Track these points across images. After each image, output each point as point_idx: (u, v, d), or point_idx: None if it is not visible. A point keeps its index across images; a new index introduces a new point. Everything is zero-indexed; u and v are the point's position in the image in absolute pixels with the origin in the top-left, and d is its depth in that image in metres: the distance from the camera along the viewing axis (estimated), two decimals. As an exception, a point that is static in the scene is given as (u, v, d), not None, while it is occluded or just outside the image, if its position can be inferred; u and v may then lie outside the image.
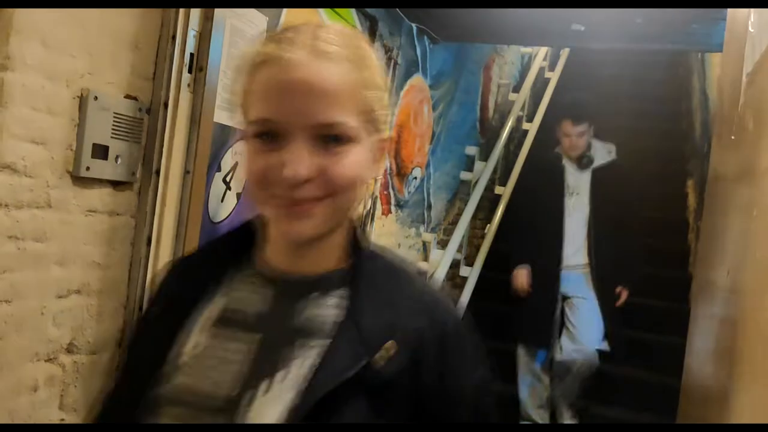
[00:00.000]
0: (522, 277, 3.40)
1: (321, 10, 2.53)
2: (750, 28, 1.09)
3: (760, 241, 0.97)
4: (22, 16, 1.34)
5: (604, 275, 3.30)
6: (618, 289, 3.35)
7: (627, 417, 3.58)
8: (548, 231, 3.33)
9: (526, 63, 5.94)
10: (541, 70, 5.96)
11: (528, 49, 5.88)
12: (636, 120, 5.52)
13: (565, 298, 3.36)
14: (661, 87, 6.00)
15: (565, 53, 6.37)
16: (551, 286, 3.31)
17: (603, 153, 3.45)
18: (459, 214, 4.46)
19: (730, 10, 1.45)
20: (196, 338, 0.76)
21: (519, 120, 5.50)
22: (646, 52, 5.51)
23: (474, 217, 4.50)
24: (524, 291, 3.38)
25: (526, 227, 3.43)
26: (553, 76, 6.10)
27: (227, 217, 2.13)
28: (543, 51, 5.91)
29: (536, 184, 3.45)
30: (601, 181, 3.35)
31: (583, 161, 3.37)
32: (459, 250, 4.31)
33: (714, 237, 1.41)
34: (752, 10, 1.10)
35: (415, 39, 3.43)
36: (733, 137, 1.19)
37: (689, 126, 5.40)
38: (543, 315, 3.33)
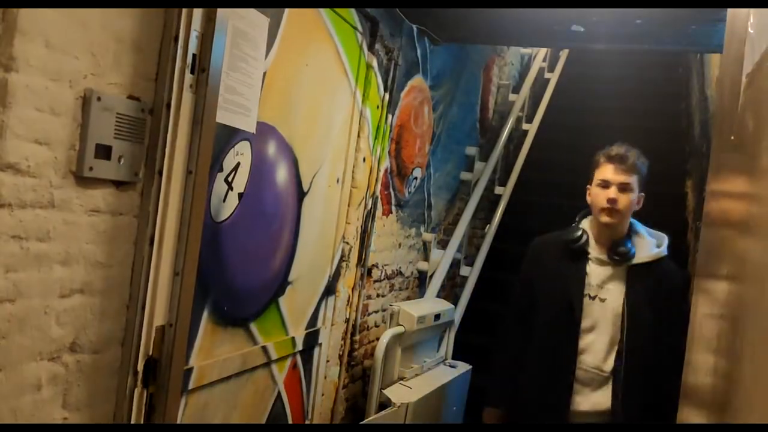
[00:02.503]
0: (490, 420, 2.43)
1: (322, 11, 2.54)
2: (749, 30, 1.10)
3: (758, 242, 0.97)
4: (27, 17, 1.35)
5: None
6: None
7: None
8: (555, 353, 2.23)
9: (526, 64, 5.95)
10: (541, 70, 5.98)
11: (528, 50, 5.90)
12: (635, 120, 5.54)
13: None
14: (660, 87, 6.01)
15: (564, 54, 6.39)
16: None
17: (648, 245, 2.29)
18: (459, 214, 4.47)
19: (729, 12, 1.46)
20: None
21: (519, 120, 5.51)
22: (645, 53, 5.52)
23: (474, 217, 4.51)
24: None
25: (513, 343, 2.38)
26: (553, 77, 6.12)
27: (229, 216, 2.14)
28: (543, 52, 5.93)
29: (541, 272, 2.34)
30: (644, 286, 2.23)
31: (619, 250, 2.20)
32: (459, 250, 4.32)
33: (712, 237, 1.41)
34: (751, 11, 1.10)
35: (416, 40, 3.44)
36: (732, 138, 1.19)
37: (688, 126, 5.41)
38: None
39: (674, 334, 1.96)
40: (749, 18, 1.11)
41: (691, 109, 5.47)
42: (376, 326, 3.49)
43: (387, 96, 3.17)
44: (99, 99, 1.51)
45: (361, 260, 3.17)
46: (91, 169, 1.52)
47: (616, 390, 2.16)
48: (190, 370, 2.03)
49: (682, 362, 1.98)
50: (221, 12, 1.75)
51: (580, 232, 2.29)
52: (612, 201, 2.17)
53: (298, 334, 2.70)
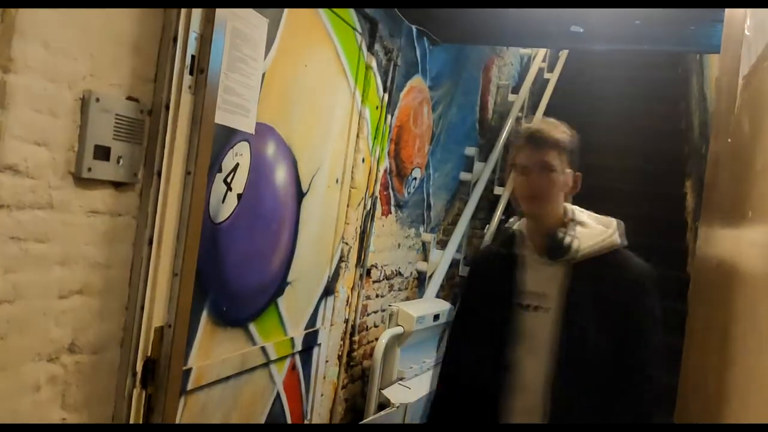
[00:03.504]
0: None
1: (321, 12, 2.54)
2: (746, 31, 1.10)
3: (755, 243, 0.98)
4: (25, 18, 1.35)
5: None
6: None
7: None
8: (483, 370, 1.81)
9: (525, 64, 5.95)
10: (540, 71, 5.98)
11: (527, 51, 5.90)
12: (634, 120, 5.54)
13: None
14: (659, 87, 6.01)
15: (564, 54, 6.39)
16: None
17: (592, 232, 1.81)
18: (458, 215, 4.47)
19: (727, 13, 1.46)
20: None
21: (518, 121, 5.51)
22: (644, 53, 5.52)
23: (473, 217, 4.52)
24: None
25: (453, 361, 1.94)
26: (552, 77, 6.12)
27: (228, 217, 2.14)
28: (542, 52, 5.92)
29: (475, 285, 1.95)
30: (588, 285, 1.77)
31: (553, 244, 1.76)
32: (458, 251, 4.32)
33: (711, 238, 1.42)
34: (748, 13, 1.11)
35: (415, 40, 3.44)
36: (729, 139, 1.20)
37: (688, 126, 5.41)
38: None
39: (634, 348, 1.65)
40: (746, 20, 1.12)
41: (690, 110, 5.48)
42: (375, 326, 3.49)
43: (386, 96, 3.17)
44: (98, 100, 1.51)
45: (360, 260, 3.18)
46: (89, 170, 1.52)
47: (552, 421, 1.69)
48: (188, 370, 2.04)
49: (647, 386, 1.67)
50: (220, 13, 1.76)
51: (509, 233, 1.87)
52: (532, 187, 1.73)
53: (297, 334, 2.71)
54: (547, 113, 5.69)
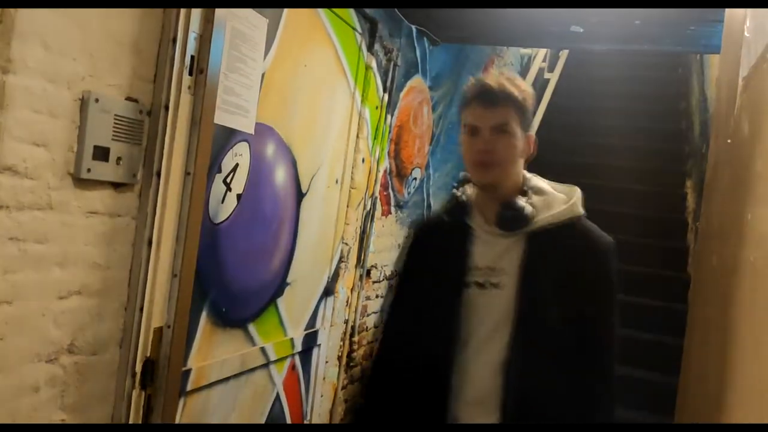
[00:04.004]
0: None
1: (321, 12, 2.54)
2: (746, 33, 1.10)
3: (754, 245, 0.98)
4: (24, 19, 1.35)
5: None
6: None
7: (627, 416, 3.59)
8: (430, 355, 1.60)
9: (526, 64, 5.95)
10: (541, 71, 5.98)
11: (527, 51, 5.90)
12: (635, 120, 5.54)
13: None
14: (660, 87, 6.01)
15: (564, 54, 6.39)
16: None
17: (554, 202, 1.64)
18: (458, 215, 4.46)
19: (727, 14, 1.46)
20: None
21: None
22: (645, 53, 5.52)
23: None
24: None
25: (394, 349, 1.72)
26: (553, 77, 6.12)
27: (227, 218, 2.14)
28: (542, 52, 5.92)
29: (420, 258, 1.74)
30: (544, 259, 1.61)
31: (507, 213, 1.58)
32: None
33: (710, 239, 1.42)
34: (748, 14, 1.11)
35: (415, 40, 3.44)
36: (729, 140, 1.20)
37: (688, 126, 5.41)
38: None
39: (596, 326, 1.49)
40: (746, 21, 1.12)
41: (690, 110, 5.48)
42: (375, 327, 3.49)
43: (386, 96, 3.17)
44: (97, 101, 1.51)
45: (360, 261, 3.17)
46: (89, 170, 1.52)
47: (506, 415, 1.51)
48: (188, 371, 2.04)
49: (609, 368, 1.50)
50: (219, 13, 1.76)
51: (458, 201, 1.65)
52: (484, 152, 1.52)
53: (297, 335, 2.71)
54: (547, 113, 5.69)
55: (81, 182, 1.52)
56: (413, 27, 3.32)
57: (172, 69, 1.68)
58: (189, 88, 1.72)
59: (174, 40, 1.67)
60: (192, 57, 1.71)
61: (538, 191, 1.59)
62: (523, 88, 1.56)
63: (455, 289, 1.56)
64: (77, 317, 1.57)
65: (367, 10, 2.85)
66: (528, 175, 1.62)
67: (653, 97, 5.88)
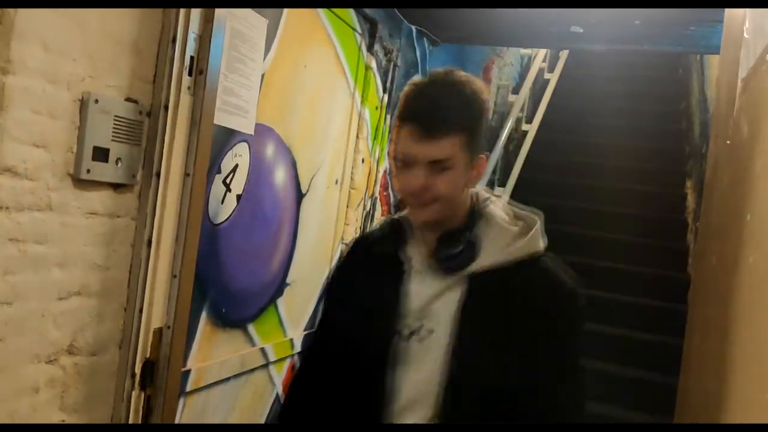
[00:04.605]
0: None
1: (321, 13, 2.54)
2: (745, 34, 1.10)
3: (753, 245, 0.98)
4: (24, 19, 1.35)
5: None
6: None
7: (627, 416, 3.59)
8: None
9: (526, 64, 5.95)
10: (541, 71, 5.98)
11: (527, 51, 5.90)
12: (635, 120, 5.54)
13: None
14: (660, 87, 6.02)
15: (564, 55, 6.39)
16: None
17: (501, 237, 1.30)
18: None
19: (727, 15, 1.46)
20: None
21: (518, 121, 5.52)
22: (645, 54, 5.52)
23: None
24: None
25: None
26: (553, 78, 6.12)
27: (227, 218, 2.14)
28: (542, 52, 5.92)
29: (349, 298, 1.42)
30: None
31: (444, 253, 1.28)
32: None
33: (710, 239, 1.42)
34: (747, 15, 1.11)
35: (415, 41, 3.44)
36: (728, 141, 1.20)
37: (689, 126, 5.42)
38: None
39: (547, 401, 1.18)
40: (745, 22, 1.12)
41: (691, 110, 5.48)
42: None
43: (386, 97, 3.17)
44: (97, 101, 1.51)
45: (360, 261, 3.17)
46: (88, 171, 1.52)
47: None
48: (188, 371, 2.04)
49: None
50: (219, 13, 1.75)
51: (392, 226, 1.34)
52: (422, 189, 1.21)
53: (297, 335, 2.71)
54: (547, 113, 5.69)
55: (81, 183, 1.52)
56: (413, 27, 3.32)
57: (172, 69, 1.67)
58: (188, 88, 1.72)
59: (173, 41, 1.67)
60: (191, 57, 1.71)
61: (488, 219, 1.27)
62: (478, 96, 1.22)
63: (379, 337, 1.25)
64: (77, 318, 1.58)
65: (367, 11, 2.85)
66: (482, 195, 1.30)
67: (653, 97, 5.88)
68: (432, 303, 1.25)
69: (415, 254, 1.29)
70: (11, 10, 1.33)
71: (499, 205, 1.30)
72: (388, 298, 1.27)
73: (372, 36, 2.97)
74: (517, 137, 5.59)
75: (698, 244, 1.58)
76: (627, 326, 4.04)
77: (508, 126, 5.01)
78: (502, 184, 5.07)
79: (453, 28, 3.39)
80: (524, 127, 5.61)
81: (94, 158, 1.53)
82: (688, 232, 4.65)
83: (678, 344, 1.81)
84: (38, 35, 1.38)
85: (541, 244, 1.24)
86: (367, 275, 1.33)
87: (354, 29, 2.83)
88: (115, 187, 1.62)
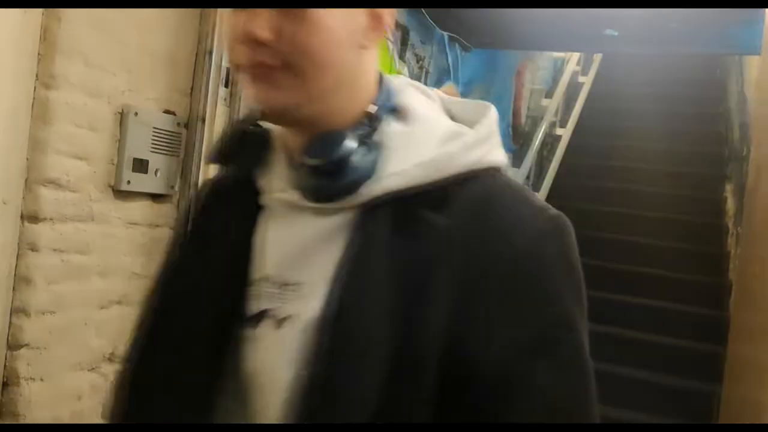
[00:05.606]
0: None
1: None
2: (787, 35, 1.08)
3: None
4: (66, 35, 1.39)
5: None
6: None
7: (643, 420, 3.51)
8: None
9: (559, 68, 5.89)
10: (574, 74, 5.91)
11: (561, 54, 5.84)
12: (671, 123, 5.44)
13: None
14: (697, 89, 5.90)
15: (598, 57, 6.31)
16: None
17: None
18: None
19: (767, 13, 1.43)
20: None
21: (552, 125, 5.46)
22: (681, 55, 5.43)
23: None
24: None
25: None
26: (587, 81, 6.05)
27: (262, 227, 2.15)
28: (576, 56, 5.86)
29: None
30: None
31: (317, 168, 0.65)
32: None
33: (753, 245, 1.39)
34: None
35: (447, 47, 3.44)
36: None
37: (727, 129, 5.30)
38: None
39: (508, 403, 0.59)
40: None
41: (729, 112, 5.37)
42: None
43: (418, 104, 3.17)
44: (136, 114, 1.54)
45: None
46: (128, 182, 1.55)
47: None
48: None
49: None
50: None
51: (241, 131, 0.77)
52: (264, 43, 0.62)
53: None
54: (581, 117, 5.63)
55: (121, 194, 1.55)
56: (445, 34, 3.32)
57: (208, 81, 1.70)
58: (224, 100, 1.74)
59: (210, 53, 1.70)
60: (227, 69, 1.74)
61: (400, 113, 0.69)
62: None
63: (219, 326, 0.70)
64: (117, 326, 1.60)
65: (398, 19, 2.86)
66: (386, 77, 0.73)
67: (691, 99, 5.77)
68: (298, 265, 0.67)
69: (276, 176, 0.71)
70: (55, 26, 1.36)
71: (419, 89, 0.74)
72: (234, 254, 0.71)
73: (404, 43, 2.97)
74: (550, 142, 5.54)
75: (740, 250, 1.55)
76: (660, 332, 3.95)
77: (541, 130, 4.97)
78: (536, 190, 5.02)
79: (485, 33, 3.38)
80: (558, 131, 5.55)
81: (134, 169, 1.56)
82: (729, 236, 4.55)
83: (715, 351, 1.77)
84: (80, 51, 1.42)
85: (499, 154, 0.69)
86: (210, 222, 0.76)
87: (385, 37, 2.83)
88: (154, 197, 1.65)
